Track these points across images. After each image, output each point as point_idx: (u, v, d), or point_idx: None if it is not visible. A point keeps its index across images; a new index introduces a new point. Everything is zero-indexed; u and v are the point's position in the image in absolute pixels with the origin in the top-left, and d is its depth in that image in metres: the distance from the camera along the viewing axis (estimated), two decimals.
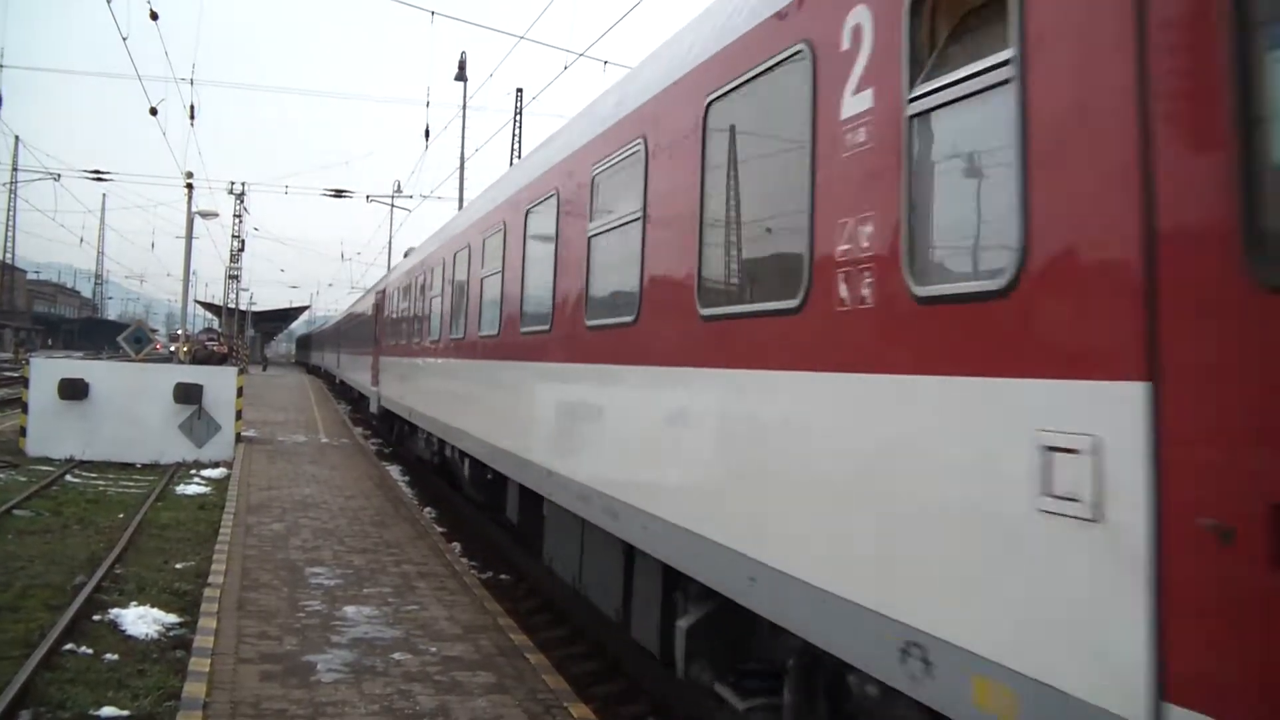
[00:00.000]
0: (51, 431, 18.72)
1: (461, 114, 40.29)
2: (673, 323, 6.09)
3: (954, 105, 3.69)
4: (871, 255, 4.06)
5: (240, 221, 65.88)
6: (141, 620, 8.56)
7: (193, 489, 16.09)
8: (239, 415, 20.42)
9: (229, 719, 6.36)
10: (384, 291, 26.57)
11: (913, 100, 3.86)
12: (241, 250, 67.89)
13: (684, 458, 5.89)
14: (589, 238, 7.88)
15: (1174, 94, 2.81)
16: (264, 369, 76.01)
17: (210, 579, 9.84)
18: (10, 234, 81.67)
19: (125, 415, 19.04)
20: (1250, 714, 2.50)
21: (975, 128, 3.67)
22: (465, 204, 20.96)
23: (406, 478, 20.97)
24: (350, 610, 9.02)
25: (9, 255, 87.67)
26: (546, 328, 8.75)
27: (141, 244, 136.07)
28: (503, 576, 12.50)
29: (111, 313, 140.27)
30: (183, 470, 18.04)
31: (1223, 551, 2.55)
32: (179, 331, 46.20)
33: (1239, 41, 2.60)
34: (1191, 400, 2.69)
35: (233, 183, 60.76)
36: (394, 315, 23.13)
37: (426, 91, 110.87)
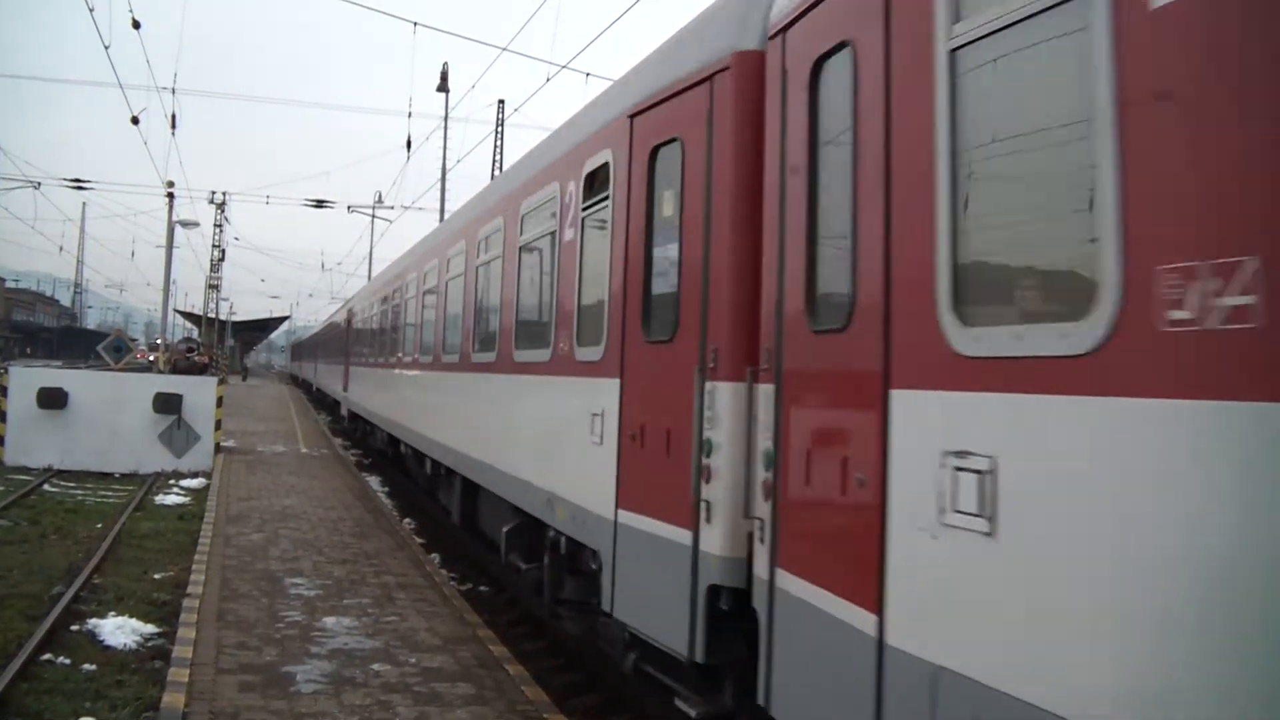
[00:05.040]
0: (30, 441, 18.62)
1: (443, 125, 40.42)
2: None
3: None
4: None
5: (221, 231, 65.52)
6: (120, 630, 8.55)
7: (172, 499, 16.05)
8: (218, 425, 20.37)
9: None
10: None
11: None
12: (222, 260, 67.43)
13: None
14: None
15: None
16: (244, 379, 75.66)
17: (189, 589, 9.83)
18: None
19: (104, 425, 18.97)
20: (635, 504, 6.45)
21: None
22: (440, 220, 21.92)
23: (386, 489, 20.94)
24: (330, 621, 9.03)
25: None
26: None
27: (122, 253, 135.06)
28: (482, 588, 12.51)
29: (91, 322, 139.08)
30: (162, 480, 17.99)
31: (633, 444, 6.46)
32: (158, 341, 45.94)
33: None
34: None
35: (213, 192, 60.64)
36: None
37: (408, 102, 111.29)
